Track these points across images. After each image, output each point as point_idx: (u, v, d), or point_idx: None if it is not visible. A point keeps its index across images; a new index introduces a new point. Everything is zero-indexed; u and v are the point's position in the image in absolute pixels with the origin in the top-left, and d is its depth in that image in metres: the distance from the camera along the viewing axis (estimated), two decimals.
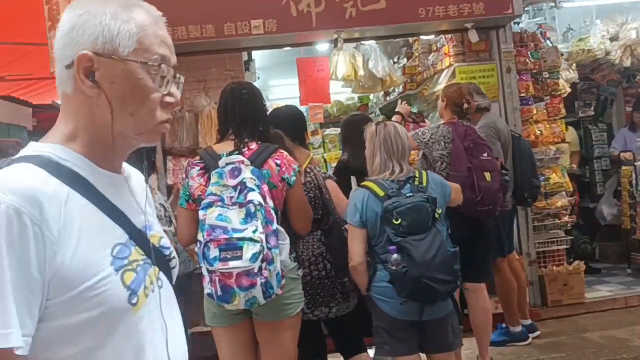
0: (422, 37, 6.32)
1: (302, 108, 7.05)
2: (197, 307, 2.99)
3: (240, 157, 2.66)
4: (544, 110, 5.72)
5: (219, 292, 2.52)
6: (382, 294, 3.00)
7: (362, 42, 6.38)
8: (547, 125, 5.70)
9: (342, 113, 7.65)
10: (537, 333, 4.90)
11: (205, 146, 3.18)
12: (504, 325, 4.81)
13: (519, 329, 4.80)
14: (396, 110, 4.80)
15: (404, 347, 3.06)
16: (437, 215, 2.90)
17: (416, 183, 3.01)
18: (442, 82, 5.61)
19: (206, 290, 2.60)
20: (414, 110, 6.63)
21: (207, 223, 2.52)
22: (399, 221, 2.85)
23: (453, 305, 3.05)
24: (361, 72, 6.60)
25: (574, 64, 6.47)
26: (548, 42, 6.09)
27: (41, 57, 5.12)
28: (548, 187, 5.51)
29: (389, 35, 5.72)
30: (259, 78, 6.99)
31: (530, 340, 4.82)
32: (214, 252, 2.49)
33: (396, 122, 4.60)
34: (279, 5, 4.85)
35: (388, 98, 7.61)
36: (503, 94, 5.44)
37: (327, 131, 6.99)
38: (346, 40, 5.29)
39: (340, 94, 7.98)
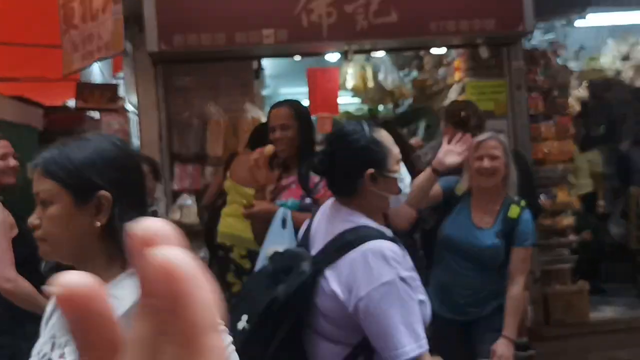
0: (432, 50, 6.32)
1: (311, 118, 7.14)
2: None
3: None
4: (553, 129, 5.71)
5: None
6: None
7: (373, 54, 6.40)
8: (556, 144, 5.68)
9: None
10: (532, 352, 4.85)
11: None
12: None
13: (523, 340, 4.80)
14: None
15: None
16: None
17: None
18: (452, 97, 5.61)
19: None
20: (422, 125, 6.62)
21: None
22: None
23: None
24: (370, 84, 6.61)
25: (585, 82, 6.46)
26: (559, 60, 6.08)
27: (54, 59, 5.16)
28: (554, 206, 5.49)
29: (400, 48, 5.72)
30: (268, 86, 7.03)
31: (533, 352, 4.79)
32: None
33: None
34: (291, 15, 4.86)
35: (397, 110, 7.61)
36: (512, 111, 5.43)
37: None
38: (356, 52, 5.30)
39: (350, 104, 7.98)
